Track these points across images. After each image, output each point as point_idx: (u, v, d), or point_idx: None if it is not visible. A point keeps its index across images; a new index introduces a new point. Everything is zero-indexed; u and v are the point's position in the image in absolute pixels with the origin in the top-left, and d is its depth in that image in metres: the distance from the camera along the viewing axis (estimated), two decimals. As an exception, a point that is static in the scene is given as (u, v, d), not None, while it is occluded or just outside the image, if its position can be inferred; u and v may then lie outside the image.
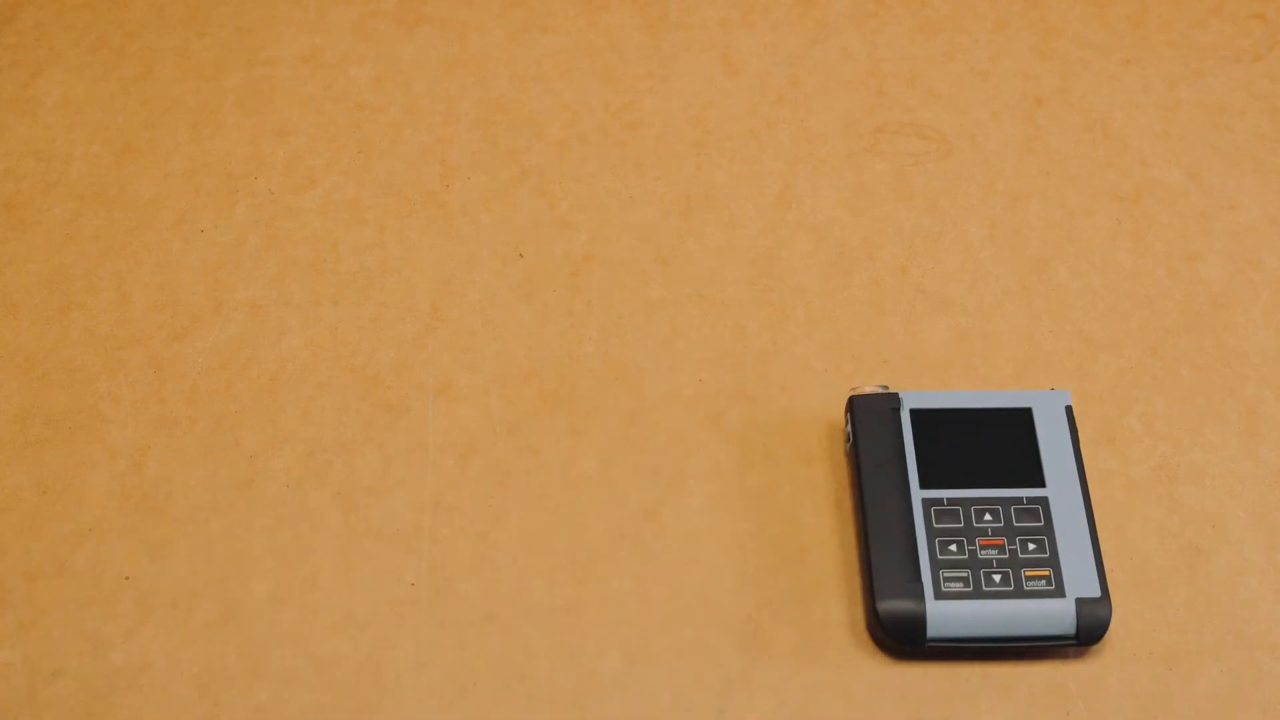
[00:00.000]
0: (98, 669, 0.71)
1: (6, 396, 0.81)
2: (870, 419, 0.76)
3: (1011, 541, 0.71)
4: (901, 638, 0.70)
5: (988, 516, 0.72)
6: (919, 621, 0.69)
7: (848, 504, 0.77)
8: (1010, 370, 0.83)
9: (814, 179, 0.92)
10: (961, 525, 0.72)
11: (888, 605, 0.70)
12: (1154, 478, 0.78)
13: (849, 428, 0.77)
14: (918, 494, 0.73)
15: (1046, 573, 0.70)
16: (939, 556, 0.71)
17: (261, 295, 0.86)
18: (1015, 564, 0.70)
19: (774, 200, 0.91)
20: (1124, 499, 0.77)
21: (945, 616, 0.69)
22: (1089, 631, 0.69)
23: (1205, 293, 0.86)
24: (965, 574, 0.70)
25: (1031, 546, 0.71)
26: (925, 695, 0.70)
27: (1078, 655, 0.71)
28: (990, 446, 0.74)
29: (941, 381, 0.82)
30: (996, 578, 0.70)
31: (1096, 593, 0.69)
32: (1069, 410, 0.76)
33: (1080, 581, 0.70)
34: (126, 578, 0.74)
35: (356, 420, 0.80)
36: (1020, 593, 0.69)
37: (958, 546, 0.71)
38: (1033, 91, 0.98)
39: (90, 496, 0.77)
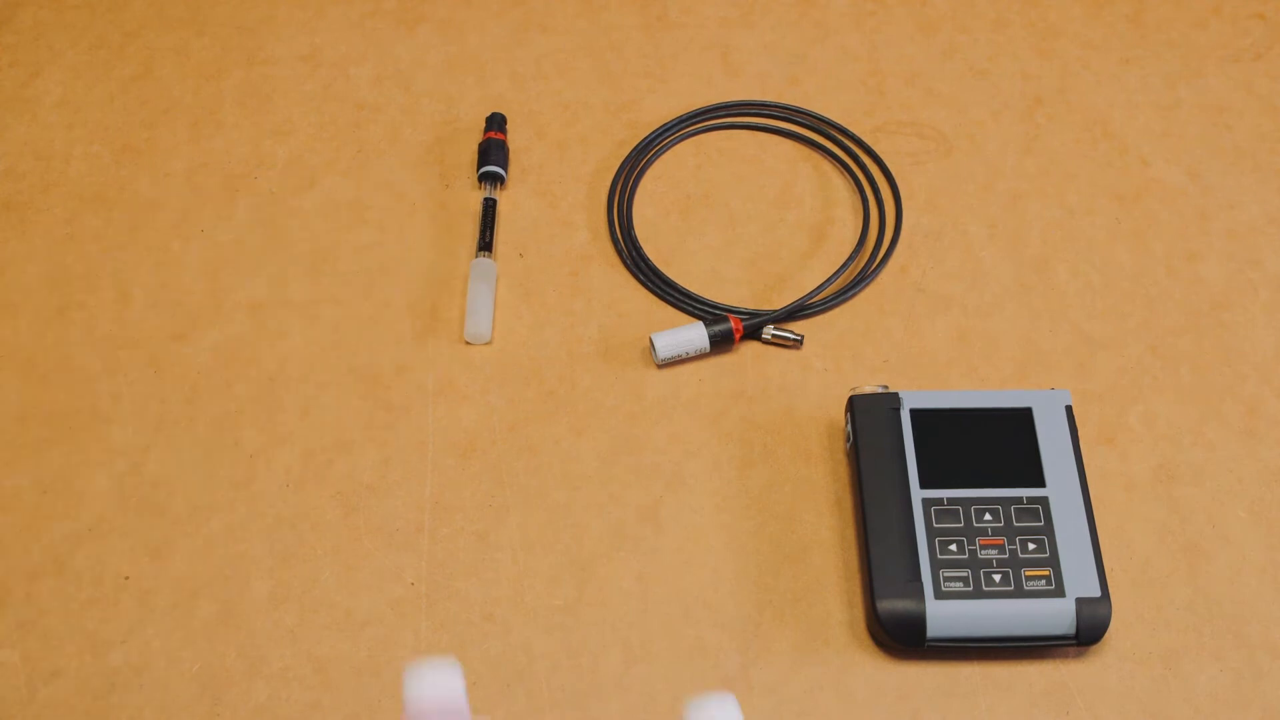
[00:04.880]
0: (98, 669, 0.71)
1: (6, 396, 0.81)
2: (870, 419, 0.76)
3: (1011, 541, 0.71)
4: (901, 637, 0.70)
5: (988, 516, 0.72)
6: (919, 621, 0.69)
7: (848, 504, 0.77)
8: (1010, 370, 0.83)
9: (815, 178, 0.92)
10: (961, 525, 0.72)
11: (888, 605, 0.70)
12: (1154, 478, 0.78)
13: (849, 427, 0.77)
14: (918, 494, 0.73)
15: (1046, 572, 0.70)
16: (939, 556, 0.71)
17: (261, 295, 0.86)
18: (1015, 564, 0.70)
19: (774, 199, 0.91)
20: (1124, 499, 0.77)
21: (945, 616, 0.69)
22: (1089, 631, 0.69)
23: (1205, 292, 0.86)
24: (965, 574, 0.70)
25: (1031, 546, 0.71)
26: (925, 695, 0.70)
27: (1078, 655, 0.71)
28: (990, 446, 0.74)
29: (941, 381, 0.82)
30: (996, 577, 0.70)
31: (1096, 592, 0.70)
32: (1069, 410, 0.76)
33: (1080, 581, 0.70)
34: (126, 578, 0.74)
35: (356, 420, 0.80)
36: (1020, 592, 0.69)
37: (958, 546, 0.71)
38: (1032, 91, 0.98)
39: (90, 496, 0.77)
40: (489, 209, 0.89)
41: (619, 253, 0.88)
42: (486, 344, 0.84)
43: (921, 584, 0.70)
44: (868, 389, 0.77)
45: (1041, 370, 0.83)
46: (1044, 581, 0.70)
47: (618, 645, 0.72)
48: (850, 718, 0.70)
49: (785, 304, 0.84)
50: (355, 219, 0.90)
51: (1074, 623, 0.69)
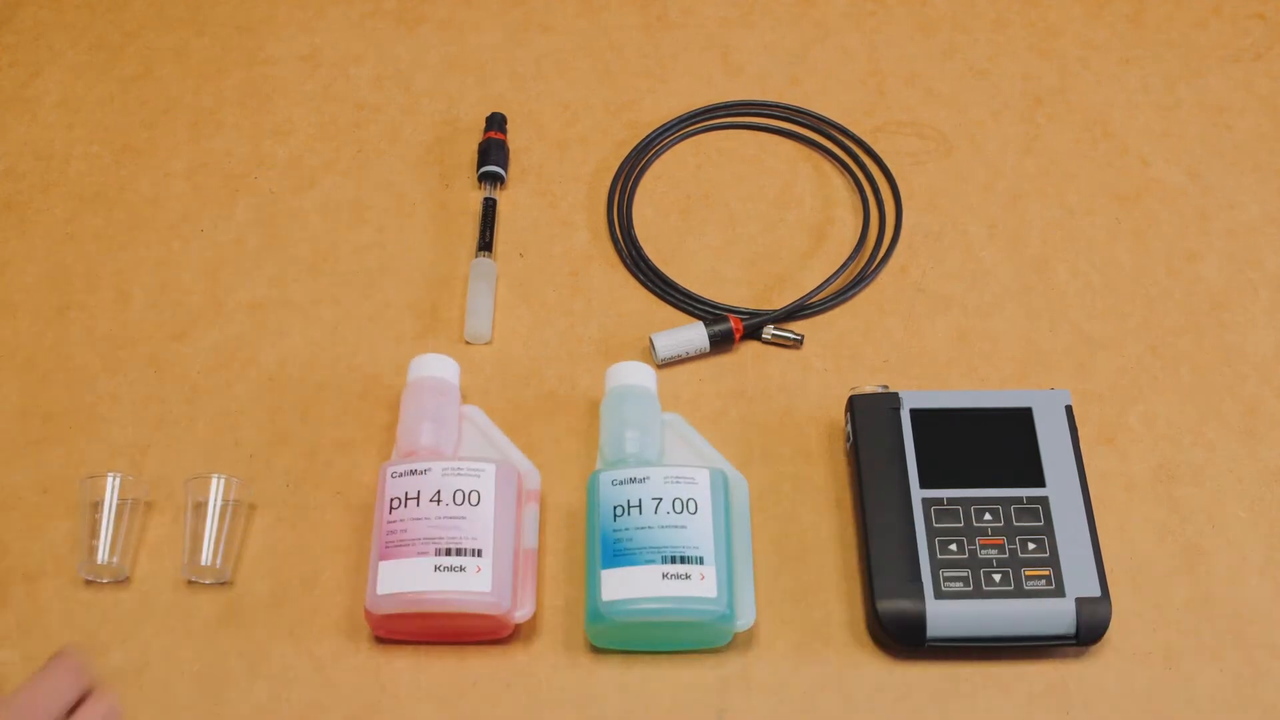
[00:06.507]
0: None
1: (6, 396, 0.81)
2: (870, 419, 0.76)
3: (1011, 541, 0.71)
4: (901, 637, 0.70)
5: (988, 516, 0.72)
6: (919, 621, 0.69)
7: (848, 504, 0.77)
8: (1010, 370, 0.83)
9: (815, 178, 0.92)
10: (961, 525, 0.72)
11: (888, 605, 0.69)
12: (1154, 478, 0.78)
13: (849, 427, 0.77)
14: (918, 493, 0.73)
15: (1046, 572, 0.70)
16: (939, 556, 0.71)
17: (261, 295, 0.86)
18: (1015, 564, 0.70)
19: (774, 199, 0.91)
20: (1124, 499, 0.77)
21: (945, 616, 0.69)
22: (1089, 631, 0.69)
23: (1205, 292, 0.86)
24: (965, 574, 0.70)
25: (1031, 546, 0.71)
26: (925, 695, 0.70)
27: (1078, 655, 0.71)
28: (990, 446, 0.74)
29: (941, 381, 0.82)
30: (996, 577, 0.70)
31: (1096, 592, 0.69)
32: (1069, 410, 0.76)
33: (1080, 581, 0.70)
34: (127, 577, 0.74)
35: (356, 420, 0.80)
36: (1020, 592, 0.69)
37: (958, 546, 0.71)
38: (1032, 91, 0.98)
39: (90, 496, 0.77)
40: (489, 209, 0.89)
41: (619, 253, 0.88)
42: (486, 344, 0.84)
43: (921, 584, 0.70)
44: (868, 389, 0.77)
45: (1041, 370, 0.83)
46: (1044, 581, 0.70)
47: (618, 645, 0.72)
48: (850, 718, 0.70)
49: (785, 304, 0.84)
50: (355, 219, 0.90)
51: (1074, 622, 0.69)
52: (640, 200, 0.91)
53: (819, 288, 0.85)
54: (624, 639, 0.71)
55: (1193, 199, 0.91)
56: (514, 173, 0.92)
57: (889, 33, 1.01)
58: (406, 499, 0.70)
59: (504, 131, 0.93)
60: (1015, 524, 0.72)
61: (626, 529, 0.69)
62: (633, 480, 0.71)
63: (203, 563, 0.72)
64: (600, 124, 0.95)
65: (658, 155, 0.94)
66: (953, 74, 0.99)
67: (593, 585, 0.69)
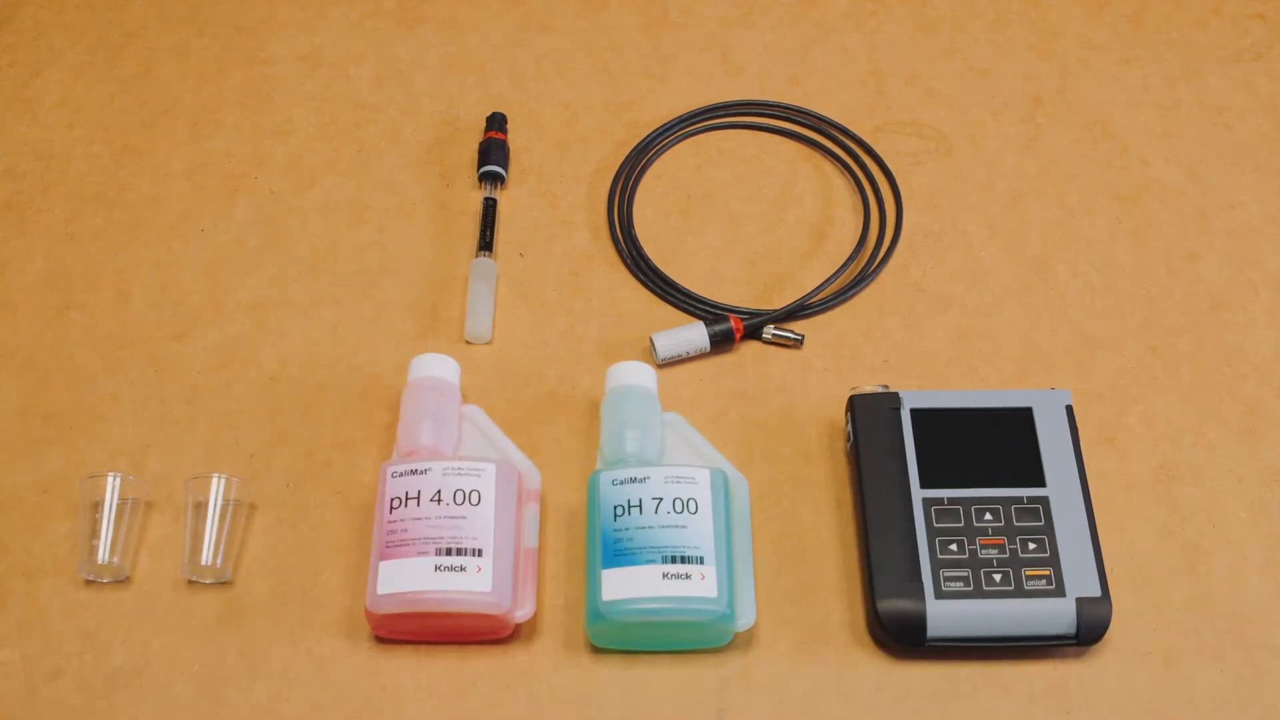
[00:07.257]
0: (97, 669, 0.71)
1: (6, 396, 0.81)
2: (871, 418, 0.76)
3: (1012, 541, 0.71)
4: (901, 637, 0.70)
5: (988, 516, 0.72)
6: (919, 621, 0.69)
7: (848, 504, 0.77)
8: (1010, 370, 0.83)
9: (815, 178, 0.92)
10: (962, 525, 0.72)
11: (888, 605, 0.69)
12: (1154, 478, 0.78)
13: (849, 427, 0.77)
14: (918, 493, 0.73)
15: (1047, 572, 0.70)
16: (939, 556, 0.71)
17: (261, 295, 0.86)
18: (1016, 563, 0.70)
19: (774, 199, 0.91)
20: (1124, 499, 0.77)
21: (945, 616, 0.69)
22: (1089, 631, 0.69)
23: (1205, 292, 0.86)
24: (965, 573, 0.70)
25: (1032, 546, 0.71)
26: (925, 695, 0.70)
27: (1078, 655, 0.71)
28: (990, 446, 0.74)
29: (941, 381, 0.82)
30: (997, 577, 0.70)
31: (1097, 592, 0.70)
32: (1069, 410, 0.76)
33: (1080, 581, 0.70)
34: (127, 577, 0.74)
35: (356, 420, 0.80)
36: (1020, 592, 0.69)
37: (958, 546, 0.71)
38: (1033, 91, 0.98)
39: (90, 496, 0.77)
40: (489, 209, 0.89)
41: (619, 253, 0.88)
42: (486, 344, 0.84)
43: (922, 584, 0.70)
44: (868, 389, 0.77)
45: (1041, 370, 0.83)
46: (1044, 581, 0.70)
47: (618, 645, 0.72)
48: (850, 718, 0.70)
49: (785, 304, 0.84)
50: (355, 219, 0.90)
51: (1074, 622, 0.69)
52: (640, 200, 0.91)
53: (819, 288, 0.85)
54: (624, 639, 0.71)
55: (1193, 199, 0.91)
56: (514, 173, 0.92)
57: (889, 33, 1.01)
58: (407, 499, 0.70)
59: (504, 131, 0.93)
60: (1015, 524, 0.72)
61: (627, 529, 0.69)
62: (633, 480, 0.71)
63: (203, 562, 0.72)
64: (600, 124, 0.95)
65: (658, 155, 0.94)
66: (953, 74, 0.99)
67: (593, 585, 0.69)
